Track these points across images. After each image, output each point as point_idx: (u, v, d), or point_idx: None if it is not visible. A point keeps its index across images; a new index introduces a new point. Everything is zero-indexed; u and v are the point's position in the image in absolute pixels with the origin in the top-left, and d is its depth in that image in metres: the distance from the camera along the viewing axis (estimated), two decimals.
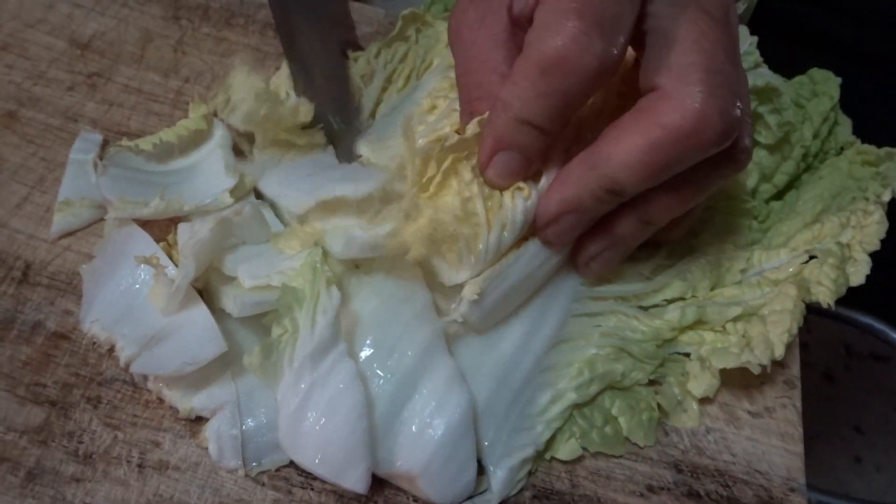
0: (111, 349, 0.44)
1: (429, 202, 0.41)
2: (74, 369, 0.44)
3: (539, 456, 0.45)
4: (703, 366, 0.47)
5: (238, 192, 0.49)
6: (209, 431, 0.42)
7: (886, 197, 0.51)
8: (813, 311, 0.49)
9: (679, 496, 0.45)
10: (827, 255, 0.49)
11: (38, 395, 0.43)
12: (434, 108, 0.47)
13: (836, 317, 0.57)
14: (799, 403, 0.49)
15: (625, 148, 0.38)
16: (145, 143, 0.50)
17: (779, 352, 0.46)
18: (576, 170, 0.41)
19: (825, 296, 0.48)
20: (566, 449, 0.45)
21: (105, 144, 0.53)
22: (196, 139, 0.52)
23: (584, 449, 0.45)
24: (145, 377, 0.43)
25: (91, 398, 0.43)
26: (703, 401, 0.48)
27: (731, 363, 0.46)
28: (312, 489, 0.42)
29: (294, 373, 0.41)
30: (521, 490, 0.44)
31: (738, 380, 0.50)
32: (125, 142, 0.51)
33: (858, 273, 0.49)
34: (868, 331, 0.57)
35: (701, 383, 0.47)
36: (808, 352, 1.28)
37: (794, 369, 0.51)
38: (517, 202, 0.42)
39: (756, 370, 0.46)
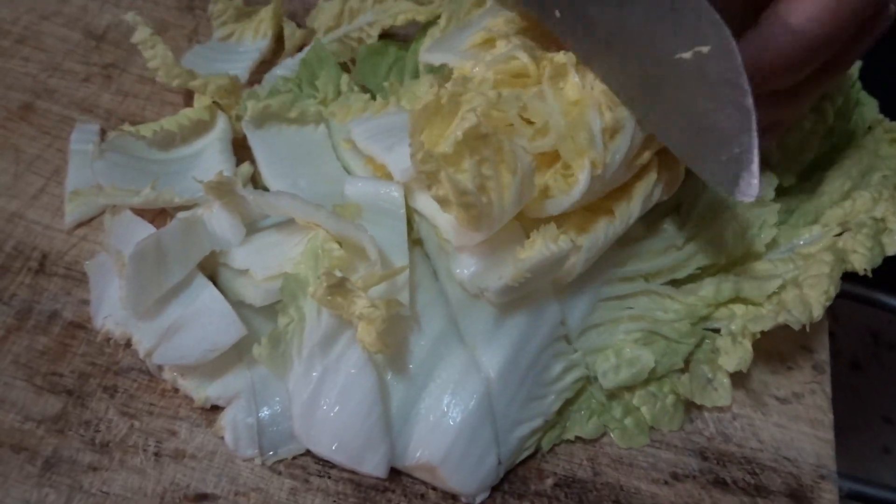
0: (128, 342, 0.44)
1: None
2: (91, 359, 0.44)
3: (549, 426, 0.44)
4: (735, 340, 0.46)
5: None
6: (225, 420, 0.42)
7: None
8: (840, 295, 0.48)
9: (705, 484, 0.44)
10: (861, 226, 0.48)
11: (54, 384, 0.43)
12: (490, 41, 0.45)
13: (863, 300, 0.55)
14: (828, 389, 0.48)
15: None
16: (146, 130, 0.50)
17: (817, 312, 0.44)
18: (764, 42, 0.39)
19: (861, 262, 0.46)
20: (590, 427, 0.44)
21: (104, 133, 0.52)
22: (198, 129, 0.52)
23: (607, 426, 0.45)
24: (160, 367, 0.43)
25: (107, 387, 0.43)
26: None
27: (767, 325, 0.45)
28: (329, 477, 0.42)
29: (304, 362, 0.41)
30: (543, 478, 0.43)
31: (765, 364, 0.49)
32: (127, 126, 0.51)
33: (894, 242, 0.48)
34: None
35: (733, 358, 0.45)
36: (836, 341, 1.26)
37: (823, 354, 0.50)
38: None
39: (796, 326, 0.44)
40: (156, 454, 0.41)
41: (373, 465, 0.40)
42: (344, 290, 0.38)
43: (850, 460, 1.17)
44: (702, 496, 0.44)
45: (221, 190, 0.43)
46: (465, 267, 0.42)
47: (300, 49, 0.59)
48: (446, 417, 0.41)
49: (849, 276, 0.53)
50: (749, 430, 0.46)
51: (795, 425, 0.47)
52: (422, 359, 0.42)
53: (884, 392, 1.25)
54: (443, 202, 0.38)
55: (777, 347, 0.49)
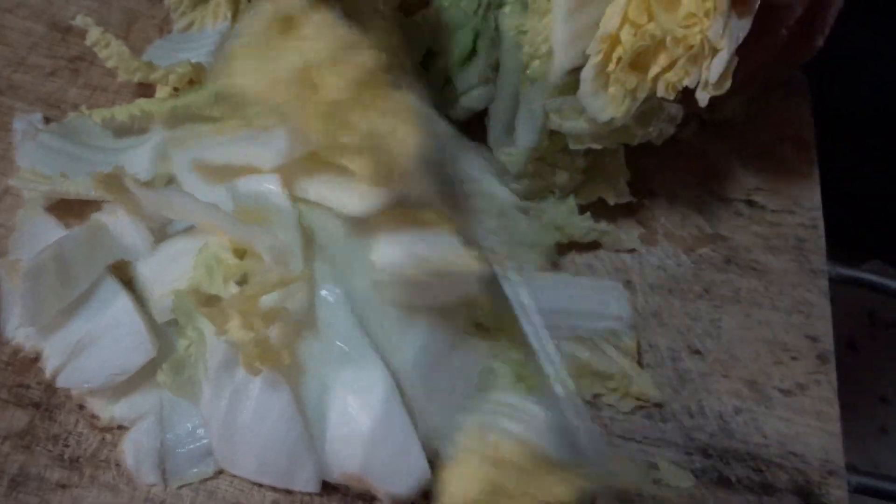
0: (37, 357, 0.41)
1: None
2: None
3: None
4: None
5: (156, 183, 0.45)
6: (127, 443, 0.39)
7: None
8: (834, 279, 0.47)
9: (708, 483, 0.43)
10: None
11: (21, 397, 0.41)
12: None
13: (858, 282, 0.54)
14: (834, 379, 0.47)
15: None
16: (97, 115, 0.48)
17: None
18: None
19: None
20: None
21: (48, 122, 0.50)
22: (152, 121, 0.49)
23: None
24: None
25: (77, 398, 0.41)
26: (727, 378, 0.46)
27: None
28: None
29: (212, 385, 0.38)
30: None
31: (767, 355, 0.47)
32: (84, 109, 0.49)
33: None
34: (893, 296, 0.54)
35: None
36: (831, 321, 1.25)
37: (828, 343, 0.48)
38: None
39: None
40: None
41: (303, 482, 0.38)
42: (218, 308, 0.35)
43: (848, 441, 1.16)
44: (705, 496, 0.42)
45: (110, 185, 0.39)
46: (379, 249, 0.38)
47: None
48: (355, 424, 0.38)
49: (844, 260, 0.52)
50: (752, 424, 0.45)
51: (801, 418, 0.45)
52: (330, 363, 0.39)
53: (880, 372, 1.24)
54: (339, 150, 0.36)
55: (779, 337, 0.48)
